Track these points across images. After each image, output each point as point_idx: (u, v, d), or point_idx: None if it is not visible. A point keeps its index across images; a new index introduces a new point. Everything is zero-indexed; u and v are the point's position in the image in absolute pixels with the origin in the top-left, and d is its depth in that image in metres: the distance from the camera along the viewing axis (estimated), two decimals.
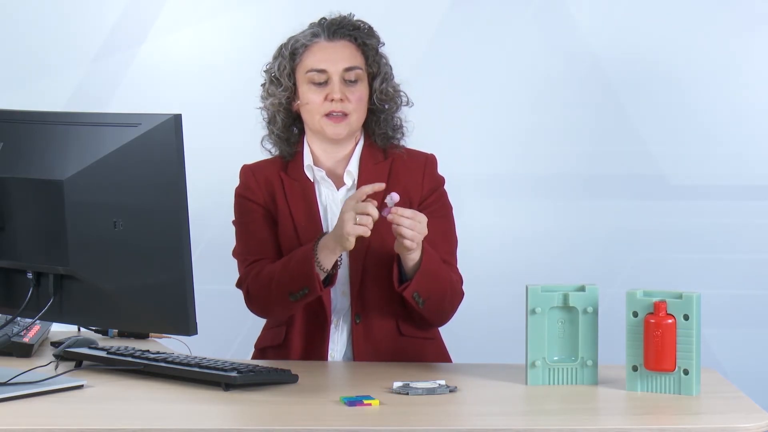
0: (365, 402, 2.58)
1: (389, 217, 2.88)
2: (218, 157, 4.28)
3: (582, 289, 2.80)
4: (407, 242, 2.90)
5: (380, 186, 2.92)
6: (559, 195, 4.40)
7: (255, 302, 3.10)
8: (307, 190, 3.13)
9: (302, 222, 3.11)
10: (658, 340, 2.70)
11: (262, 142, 3.23)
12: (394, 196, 2.90)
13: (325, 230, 3.11)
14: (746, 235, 4.42)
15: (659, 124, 4.41)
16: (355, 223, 2.88)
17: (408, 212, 2.89)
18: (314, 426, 2.46)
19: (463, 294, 3.10)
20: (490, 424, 2.50)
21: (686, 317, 2.69)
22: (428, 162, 3.17)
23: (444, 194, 3.19)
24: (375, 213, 2.88)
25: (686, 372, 2.70)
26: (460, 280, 3.12)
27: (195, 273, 2.56)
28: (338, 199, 3.13)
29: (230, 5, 4.39)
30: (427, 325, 3.13)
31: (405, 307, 3.08)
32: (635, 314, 2.73)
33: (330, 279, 3.02)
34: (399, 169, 3.15)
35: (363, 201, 2.90)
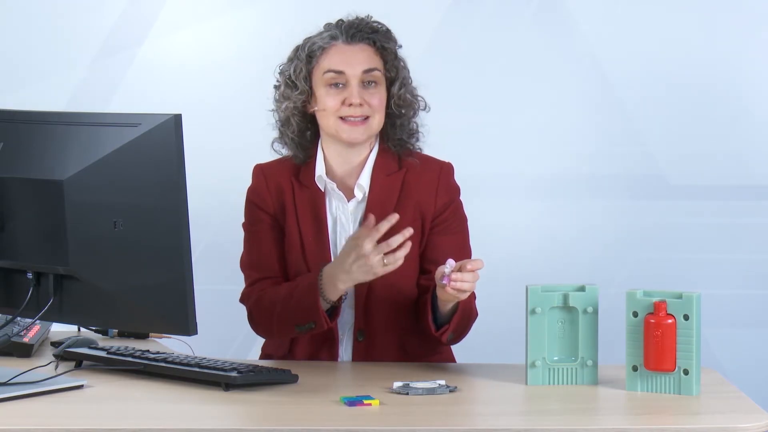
0: (365, 402, 2.58)
1: (452, 285, 2.78)
2: (218, 157, 4.29)
3: (582, 289, 2.80)
4: (462, 295, 2.83)
5: (395, 218, 2.85)
6: (559, 195, 4.41)
7: (259, 327, 3.09)
8: (317, 200, 3.08)
9: (309, 234, 3.06)
10: (658, 340, 2.70)
11: (272, 144, 3.17)
12: (451, 263, 2.78)
13: (332, 243, 3.07)
14: (746, 235, 4.42)
15: (659, 124, 4.41)
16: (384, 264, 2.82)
17: (468, 276, 2.78)
18: (314, 426, 2.46)
19: (477, 314, 3.06)
20: (490, 424, 2.50)
21: (686, 317, 2.69)
22: (442, 173, 3.10)
23: (459, 206, 3.12)
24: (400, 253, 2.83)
25: (686, 372, 2.70)
26: (474, 298, 3.05)
27: (195, 273, 2.56)
28: (348, 211, 3.08)
29: (230, 5, 4.39)
30: (434, 342, 3.05)
31: (412, 324, 3.05)
32: (635, 314, 2.73)
33: (335, 311, 2.97)
34: (412, 182, 3.08)
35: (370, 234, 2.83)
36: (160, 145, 2.56)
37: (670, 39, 4.38)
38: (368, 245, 2.82)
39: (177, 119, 2.56)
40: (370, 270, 2.84)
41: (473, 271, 2.78)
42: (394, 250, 2.84)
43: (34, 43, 4.36)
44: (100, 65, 4.37)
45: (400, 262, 2.83)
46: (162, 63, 4.38)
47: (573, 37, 4.37)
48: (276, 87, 3.14)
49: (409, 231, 2.83)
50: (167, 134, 2.55)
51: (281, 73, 3.12)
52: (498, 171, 4.37)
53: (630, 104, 4.40)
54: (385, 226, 2.82)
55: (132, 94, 4.35)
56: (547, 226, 4.41)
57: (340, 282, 2.90)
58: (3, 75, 4.34)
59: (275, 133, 3.16)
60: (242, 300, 3.12)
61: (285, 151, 3.16)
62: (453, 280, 2.77)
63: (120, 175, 2.60)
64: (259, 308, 3.06)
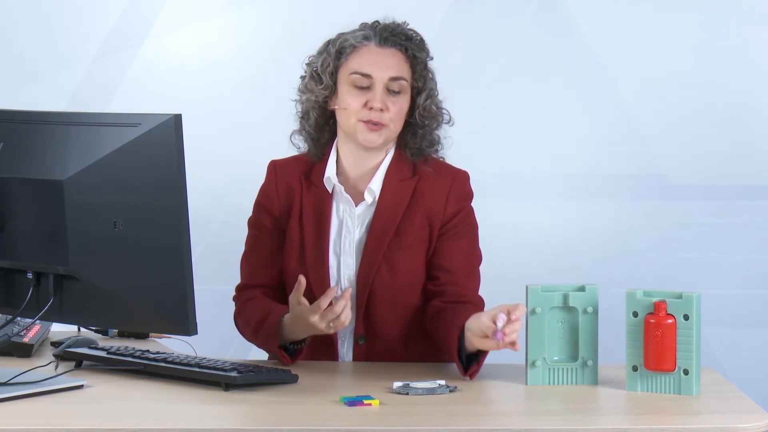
0: (365, 402, 2.58)
1: (506, 339, 2.69)
2: (218, 157, 4.29)
3: (582, 289, 2.80)
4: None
5: (332, 291, 2.84)
6: (559, 195, 4.41)
7: (242, 334, 3.10)
8: (323, 202, 3.06)
9: (310, 236, 3.05)
10: (658, 340, 2.70)
11: (291, 136, 3.13)
12: (503, 317, 2.69)
13: (332, 245, 3.04)
14: (746, 235, 4.42)
15: (659, 124, 4.41)
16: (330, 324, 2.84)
17: (517, 325, 2.71)
18: (314, 426, 2.46)
19: None
20: (490, 424, 2.50)
21: (686, 317, 2.69)
22: (455, 182, 3.07)
23: (469, 214, 3.09)
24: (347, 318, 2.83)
25: (686, 372, 2.70)
26: (482, 305, 3.02)
27: (195, 273, 2.56)
28: (355, 214, 3.04)
29: (230, 5, 4.39)
30: (437, 350, 3.01)
31: (414, 329, 3.04)
32: (635, 314, 2.73)
33: (300, 350, 2.97)
34: (423, 190, 3.04)
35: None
36: (160, 145, 2.56)
37: (670, 39, 4.38)
38: (314, 319, 2.83)
39: (177, 119, 2.56)
40: (322, 331, 2.86)
41: (519, 319, 2.72)
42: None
43: (34, 43, 4.36)
44: (100, 65, 4.37)
45: (346, 324, 2.83)
46: (162, 63, 4.38)
47: (573, 37, 4.37)
48: (302, 77, 3.10)
49: (348, 292, 2.85)
50: (167, 134, 2.55)
51: (309, 64, 3.08)
52: (498, 171, 4.37)
53: (630, 104, 4.40)
54: (325, 301, 2.80)
55: (132, 94, 4.35)
56: (547, 226, 4.41)
57: (299, 335, 2.92)
58: (3, 75, 4.35)
59: (295, 125, 3.12)
60: (233, 299, 3.14)
61: (303, 147, 3.12)
62: (506, 334, 2.69)
63: (120, 175, 2.60)
64: (241, 319, 3.08)
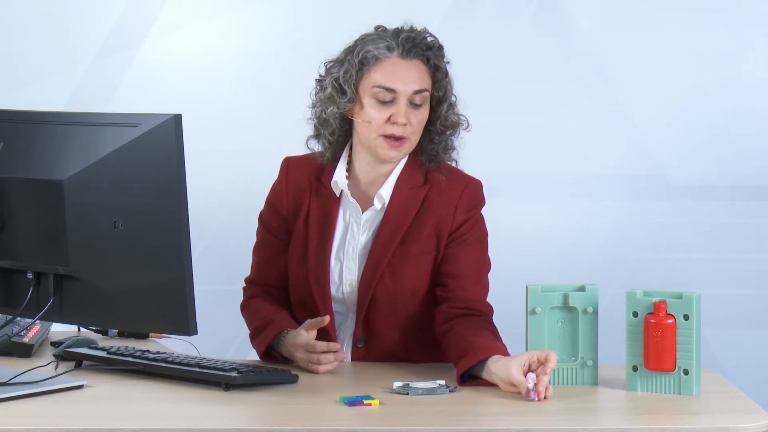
0: (365, 402, 2.58)
1: (542, 397, 2.64)
2: (218, 157, 4.29)
3: (582, 289, 2.80)
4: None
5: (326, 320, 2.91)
6: (559, 195, 4.41)
7: (246, 323, 3.13)
8: (331, 204, 3.04)
9: (314, 238, 3.04)
10: (658, 340, 2.70)
11: (307, 141, 3.09)
12: (532, 376, 2.64)
13: (336, 249, 3.03)
14: (746, 235, 4.42)
15: (659, 124, 4.41)
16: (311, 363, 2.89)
17: (548, 377, 2.65)
18: (314, 426, 2.46)
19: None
20: (490, 424, 2.51)
21: (686, 317, 2.69)
22: (465, 191, 3.04)
23: (478, 221, 3.05)
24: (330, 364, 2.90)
25: (686, 372, 2.70)
26: (491, 312, 3.01)
27: (195, 273, 2.56)
28: (362, 220, 3.03)
29: (230, 5, 4.39)
30: (437, 352, 3.02)
31: (414, 334, 3.03)
32: (635, 314, 2.73)
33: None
34: (433, 198, 3.02)
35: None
36: (160, 145, 2.56)
37: (670, 39, 4.38)
38: (300, 355, 2.90)
39: (177, 119, 2.56)
40: (298, 363, 2.91)
41: (550, 372, 2.67)
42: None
43: (34, 43, 4.36)
44: (100, 65, 4.37)
45: (322, 372, 2.88)
46: (162, 63, 4.38)
47: (573, 37, 4.37)
48: (319, 82, 3.05)
49: (342, 355, 2.92)
50: (167, 134, 2.55)
51: (328, 72, 3.02)
52: (497, 171, 4.36)
53: (630, 104, 4.40)
54: (321, 346, 2.88)
55: (132, 94, 4.35)
56: (547, 226, 4.41)
57: (285, 351, 2.95)
58: (3, 75, 4.35)
59: (310, 129, 3.09)
60: (242, 289, 3.16)
61: (317, 149, 3.10)
62: (539, 392, 2.65)
63: (120, 175, 2.60)
64: (245, 315, 3.11)
